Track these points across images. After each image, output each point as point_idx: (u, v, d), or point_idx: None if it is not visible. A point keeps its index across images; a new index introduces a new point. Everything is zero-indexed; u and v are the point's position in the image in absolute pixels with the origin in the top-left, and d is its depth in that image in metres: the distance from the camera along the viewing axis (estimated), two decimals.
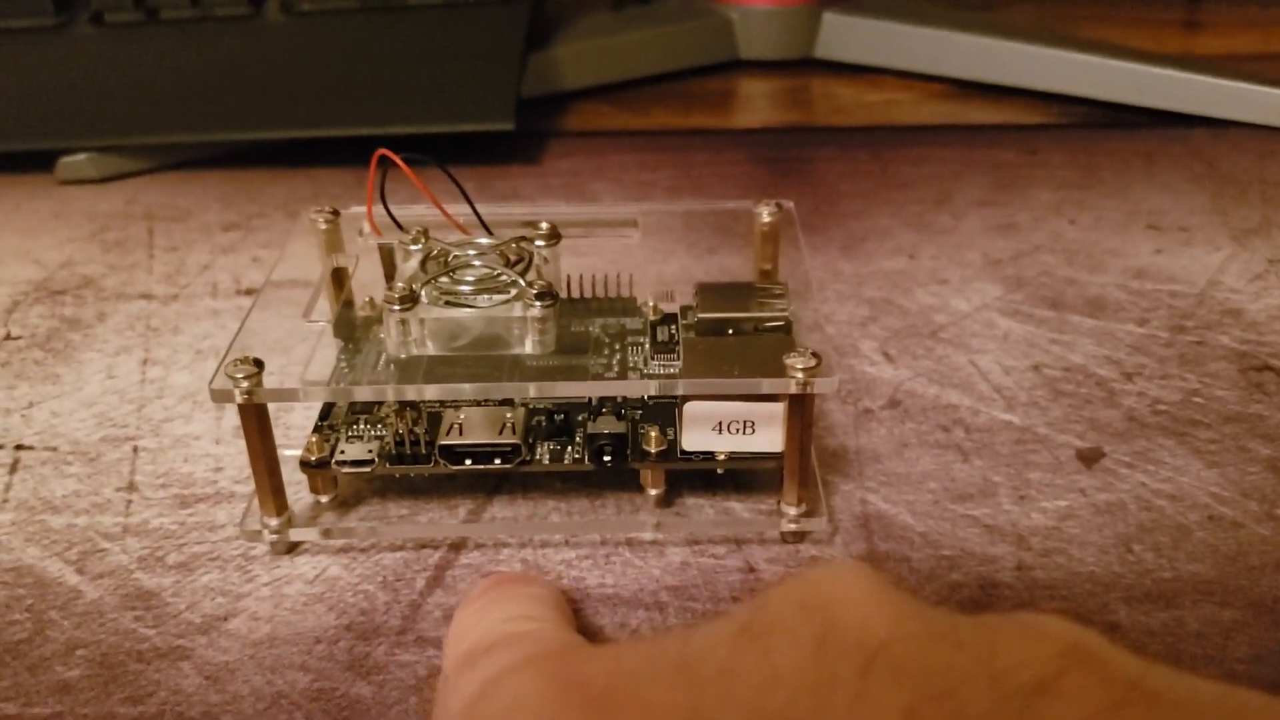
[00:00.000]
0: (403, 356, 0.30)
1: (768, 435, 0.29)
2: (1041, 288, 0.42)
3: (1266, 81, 0.55)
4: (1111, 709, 0.15)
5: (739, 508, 0.31)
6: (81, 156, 0.53)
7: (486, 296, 0.30)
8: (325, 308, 0.33)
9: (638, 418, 0.31)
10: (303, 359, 0.30)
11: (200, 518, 0.31)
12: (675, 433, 0.30)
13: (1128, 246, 0.45)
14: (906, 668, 0.16)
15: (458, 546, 0.30)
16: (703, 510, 0.31)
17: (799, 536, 0.30)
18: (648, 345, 0.31)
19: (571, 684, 0.19)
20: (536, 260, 0.31)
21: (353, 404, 0.32)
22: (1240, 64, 0.62)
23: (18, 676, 0.26)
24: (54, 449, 0.34)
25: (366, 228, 0.33)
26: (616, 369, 0.30)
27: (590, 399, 0.32)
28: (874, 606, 0.18)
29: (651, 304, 0.33)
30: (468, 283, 0.30)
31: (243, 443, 0.29)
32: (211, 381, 0.27)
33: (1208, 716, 0.16)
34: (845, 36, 0.63)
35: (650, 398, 0.32)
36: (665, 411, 0.31)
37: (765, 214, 0.34)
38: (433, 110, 0.52)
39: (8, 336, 0.41)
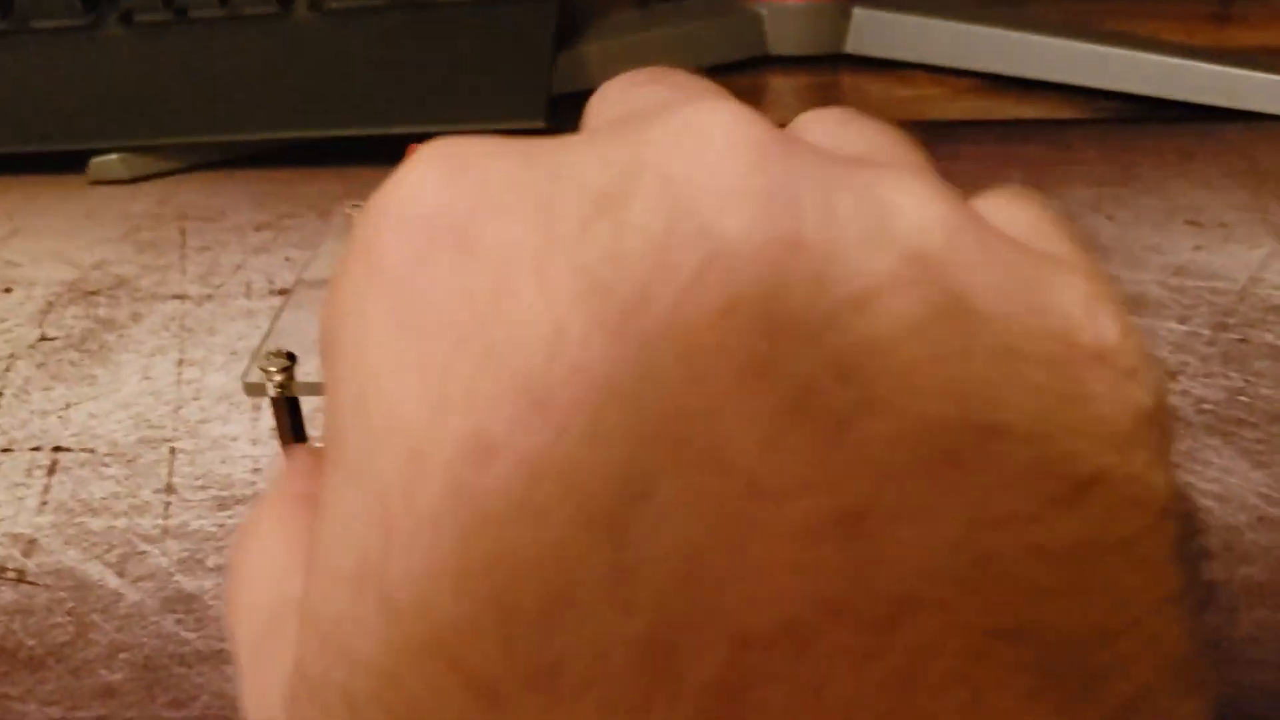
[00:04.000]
0: None
1: None
2: None
3: None
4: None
5: None
6: (113, 157, 0.53)
7: None
8: None
9: None
10: None
11: (239, 519, 0.31)
12: None
13: (1167, 243, 0.44)
14: (738, 271, 0.15)
15: None
16: None
17: None
18: None
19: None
20: None
21: None
22: (1276, 57, 0.61)
23: (61, 680, 0.26)
24: (91, 450, 0.34)
25: None
26: None
27: None
28: (736, 198, 0.15)
29: None
30: None
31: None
32: (245, 375, 0.27)
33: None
34: (875, 32, 0.63)
35: None
36: None
37: None
38: (463, 108, 0.51)
39: (43, 338, 0.41)
